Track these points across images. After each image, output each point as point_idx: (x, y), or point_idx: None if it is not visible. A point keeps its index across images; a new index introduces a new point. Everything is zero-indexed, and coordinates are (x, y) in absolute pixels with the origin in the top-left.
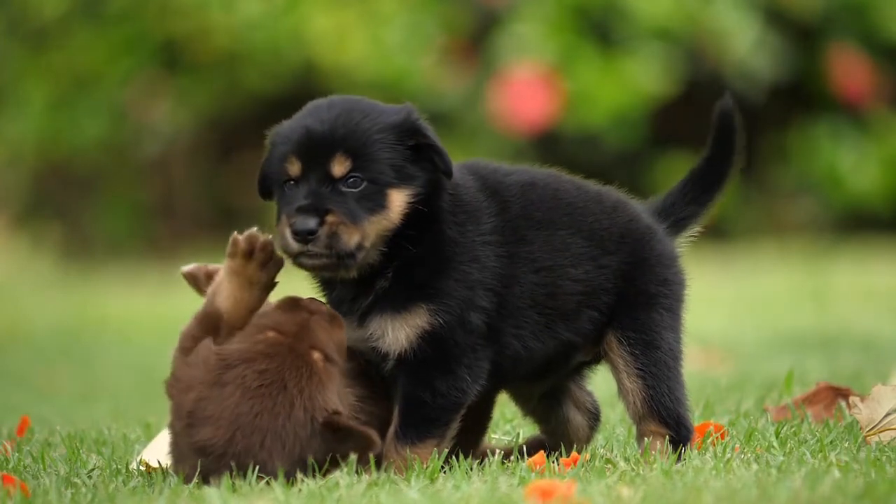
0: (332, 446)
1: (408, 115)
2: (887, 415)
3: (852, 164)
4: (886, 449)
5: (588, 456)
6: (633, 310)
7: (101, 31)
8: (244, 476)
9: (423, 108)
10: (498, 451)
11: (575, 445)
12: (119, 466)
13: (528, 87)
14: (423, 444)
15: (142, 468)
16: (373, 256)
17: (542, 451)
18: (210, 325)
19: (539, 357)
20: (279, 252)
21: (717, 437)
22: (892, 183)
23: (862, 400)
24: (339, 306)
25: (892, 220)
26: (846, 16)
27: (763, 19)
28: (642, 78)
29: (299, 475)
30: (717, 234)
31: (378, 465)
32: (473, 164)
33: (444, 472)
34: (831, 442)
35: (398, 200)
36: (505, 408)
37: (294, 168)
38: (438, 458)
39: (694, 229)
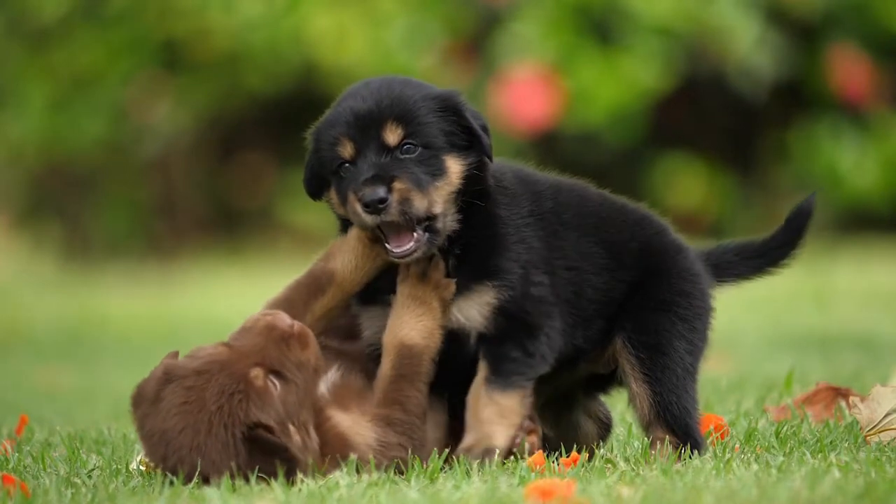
0: (259, 460)
1: (450, 94)
2: (887, 415)
3: (852, 163)
4: (886, 449)
5: (588, 456)
6: (641, 312)
7: (101, 31)
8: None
9: None
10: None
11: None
12: (119, 466)
13: (528, 86)
14: (513, 392)
15: (142, 468)
16: (451, 224)
17: (541, 451)
18: (315, 287)
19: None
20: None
21: (717, 437)
22: (892, 182)
23: (862, 400)
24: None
25: (892, 219)
26: (847, 15)
27: (763, 18)
28: (642, 76)
29: (300, 475)
30: (717, 233)
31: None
32: (501, 160)
33: (444, 472)
34: (831, 442)
35: (455, 167)
36: None
37: (347, 149)
38: (439, 458)
39: (732, 280)
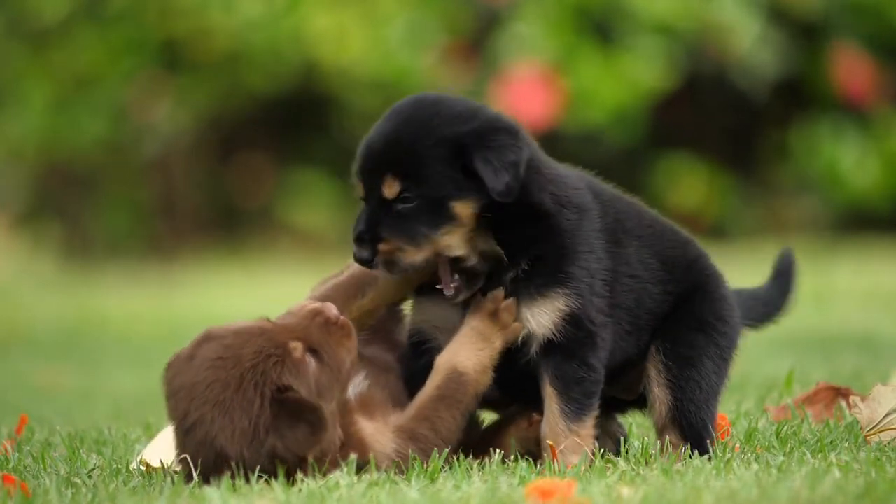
0: (284, 426)
1: (466, 136)
2: (887, 415)
3: (853, 162)
4: (886, 449)
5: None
6: (679, 326)
7: (101, 31)
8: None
9: None
10: (498, 450)
11: None
12: (119, 466)
13: (529, 85)
14: (588, 419)
15: (142, 468)
16: (493, 251)
17: None
18: (355, 289)
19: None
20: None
21: (716, 437)
22: (893, 182)
23: (862, 400)
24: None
25: (892, 219)
26: (848, 14)
27: (765, 16)
28: (643, 75)
29: (299, 475)
30: (718, 233)
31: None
32: (580, 171)
33: (445, 472)
34: (831, 442)
35: (465, 210)
36: None
37: (358, 189)
38: (439, 458)
39: (749, 325)
